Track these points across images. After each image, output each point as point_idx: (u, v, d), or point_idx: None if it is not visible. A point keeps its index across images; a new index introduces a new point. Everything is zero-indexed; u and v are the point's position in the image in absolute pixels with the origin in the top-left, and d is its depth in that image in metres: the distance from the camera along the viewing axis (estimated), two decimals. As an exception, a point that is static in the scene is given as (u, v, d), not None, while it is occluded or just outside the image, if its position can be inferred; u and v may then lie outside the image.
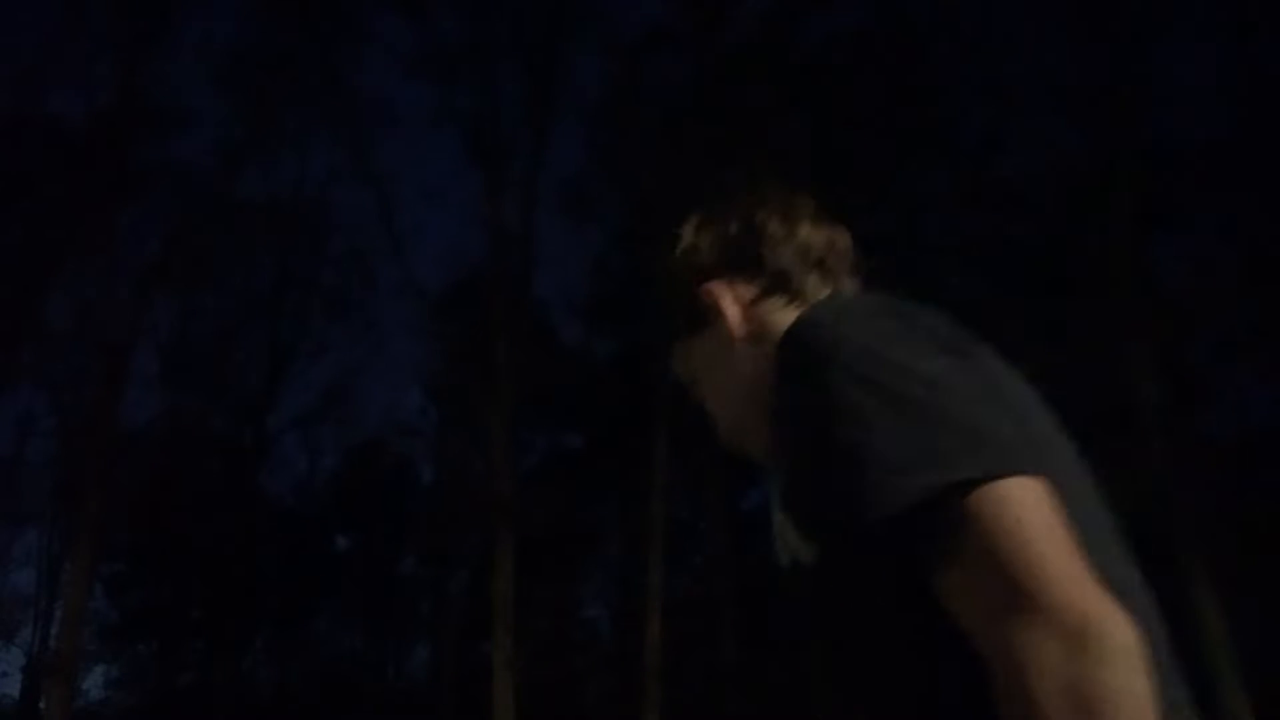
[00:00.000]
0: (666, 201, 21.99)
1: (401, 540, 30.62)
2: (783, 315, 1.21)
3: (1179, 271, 19.66)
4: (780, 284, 1.24)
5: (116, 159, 19.93)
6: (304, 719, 28.61)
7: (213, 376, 28.11)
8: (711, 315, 1.27)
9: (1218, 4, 18.55)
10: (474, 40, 21.06)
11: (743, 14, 23.07)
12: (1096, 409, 17.24)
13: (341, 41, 22.06)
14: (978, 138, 22.29)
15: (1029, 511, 0.85)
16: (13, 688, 28.25)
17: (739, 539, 26.17)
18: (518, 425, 20.60)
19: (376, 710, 29.24)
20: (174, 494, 24.49)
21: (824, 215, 1.32)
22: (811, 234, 1.28)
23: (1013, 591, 0.82)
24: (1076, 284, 17.69)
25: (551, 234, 41.85)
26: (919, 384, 0.91)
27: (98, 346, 19.98)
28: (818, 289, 1.24)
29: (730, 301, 1.25)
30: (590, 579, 30.33)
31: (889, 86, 22.17)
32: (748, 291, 1.25)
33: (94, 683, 29.89)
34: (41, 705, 21.89)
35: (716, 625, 22.75)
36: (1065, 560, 0.83)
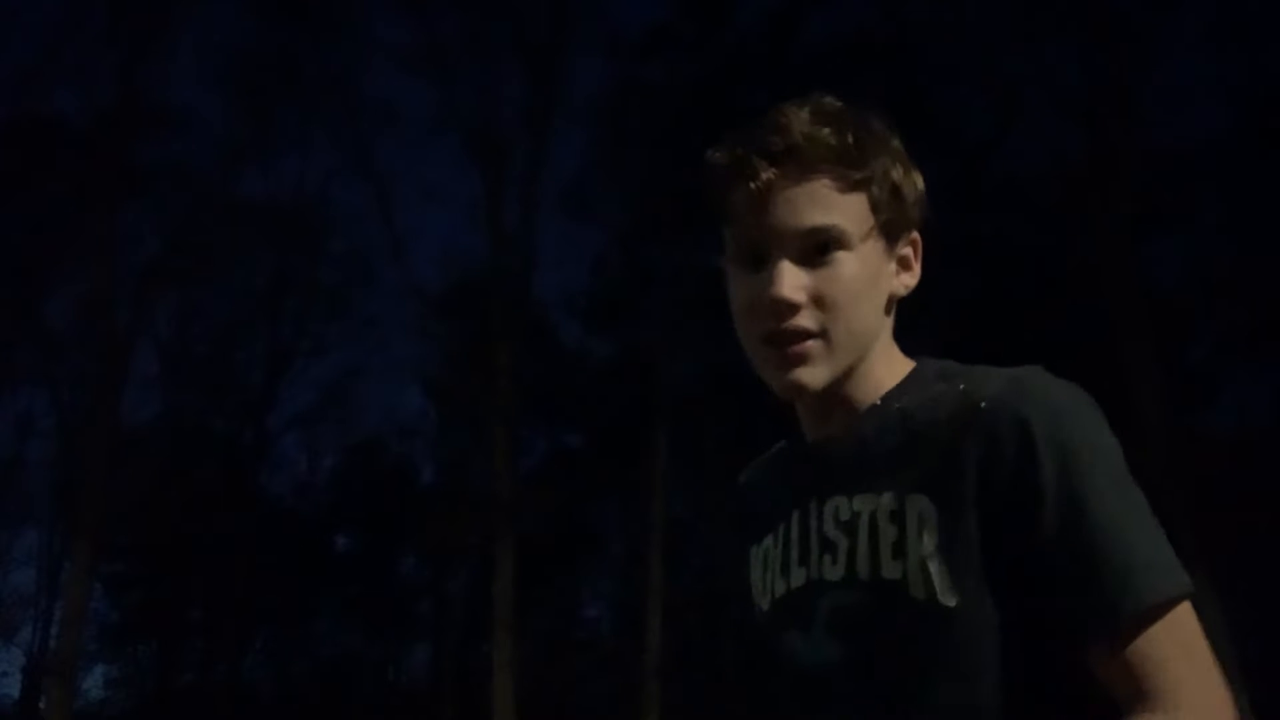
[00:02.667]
0: (666, 202, 22.02)
1: (401, 540, 30.61)
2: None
3: (1178, 271, 19.67)
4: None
5: (116, 159, 19.93)
6: (304, 719, 28.61)
7: (213, 376, 28.11)
8: (895, 243, 1.10)
9: (1217, 4, 18.56)
10: (474, 40, 21.08)
11: (743, 14, 23.09)
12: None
13: (341, 41, 22.10)
14: (977, 137, 22.32)
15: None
16: (13, 688, 28.26)
17: (739, 539, 26.14)
18: (518, 425, 20.59)
19: (376, 710, 29.23)
20: (174, 494, 24.48)
21: None
22: None
23: (1198, 690, 0.91)
24: (1075, 284, 17.69)
25: (551, 234, 41.84)
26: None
27: (98, 346, 19.99)
28: None
29: (914, 260, 1.13)
30: (590, 579, 30.34)
31: (889, 86, 22.18)
32: (914, 277, 1.13)
33: (94, 683, 29.93)
34: (41, 705, 21.90)
35: (716, 625, 22.75)
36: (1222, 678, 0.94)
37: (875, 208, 1.06)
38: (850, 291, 1.03)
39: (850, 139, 1.05)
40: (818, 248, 1.03)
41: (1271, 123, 17.69)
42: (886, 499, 1.01)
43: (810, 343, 1.03)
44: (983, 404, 0.99)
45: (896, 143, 1.11)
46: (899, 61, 21.64)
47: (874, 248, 1.06)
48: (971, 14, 18.88)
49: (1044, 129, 18.11)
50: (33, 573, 27.45)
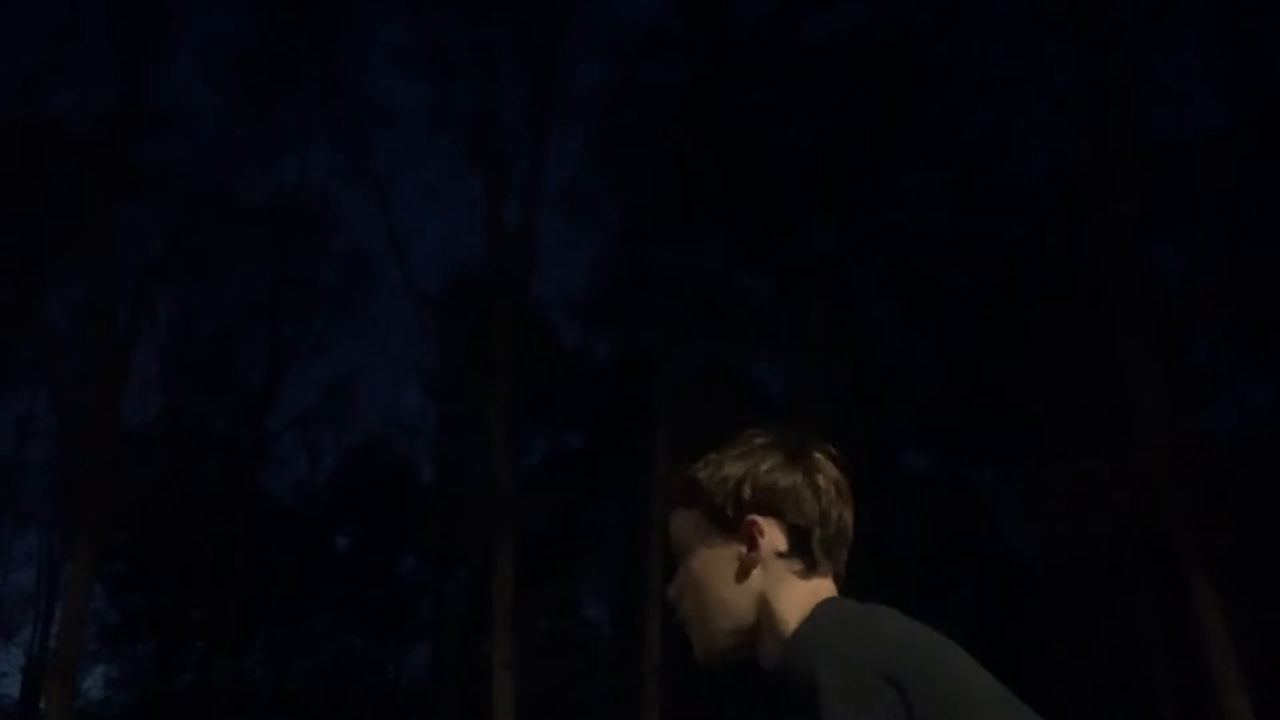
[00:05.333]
0: (666, 202, 22.02)
1: (401, 540, 30.61)
2: (791, 583, 1.36)
3: (1179, 271, 19.67)
4: (805, 553, 1.37)
5: (116, 159, 19.94)
6: (304, 719, 28.60)
7: (213, 376, 28.11)
8: (733, 531, 1.38)
9: (1217, 4, 18.56)
10: (474, 40, 21.08)
11: (743, 14, 23.09)
12: (1097, 409, 17.26)
13: (341, 41, 22.09)
14: (978, 138, 22.32)
15: None
16: (13, 688, 28.25)
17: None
18: (518, 425, 20.59)
19: (376, 710, 29.24)
20: (174, 494, 24.48)
21: (852, 494, 1.43)
22: (849, 517, 1.41)
23: None
24: (1075, 284, 17.69)
25: (551, 234, 41.75)
26: None
27: (98, 346, 19.99)
28: (825, 571, 1.37)
29: (767, 544, 1.36)
30: (590, 579, 30.34)
31: (889, 87, 22.17)
32: (779, 541, 1.36)
33: (94, 683, 29.90)
34: (41, 705, 21.90)
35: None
36: None
37: (709, 516, 1.39)
38: (688, 585, 1.41)
39: (690, 473, 1.42)
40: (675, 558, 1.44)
41: (1271, 123, 17.68)
42: None
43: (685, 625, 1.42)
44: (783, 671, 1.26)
45: (755, 455, 1.40)
46: (898, 62, 21.64)
47: (710, 544, 1.39)
48: (970, 14, 18.89)
49: (1044, 129, 18.12)
50: (33, 573, 27.46)
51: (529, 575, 20.32)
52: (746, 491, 1.38)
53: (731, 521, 1.38)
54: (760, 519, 1.37)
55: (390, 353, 34.48)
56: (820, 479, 1.39)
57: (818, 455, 1.41)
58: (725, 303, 23.31)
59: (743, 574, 1.37)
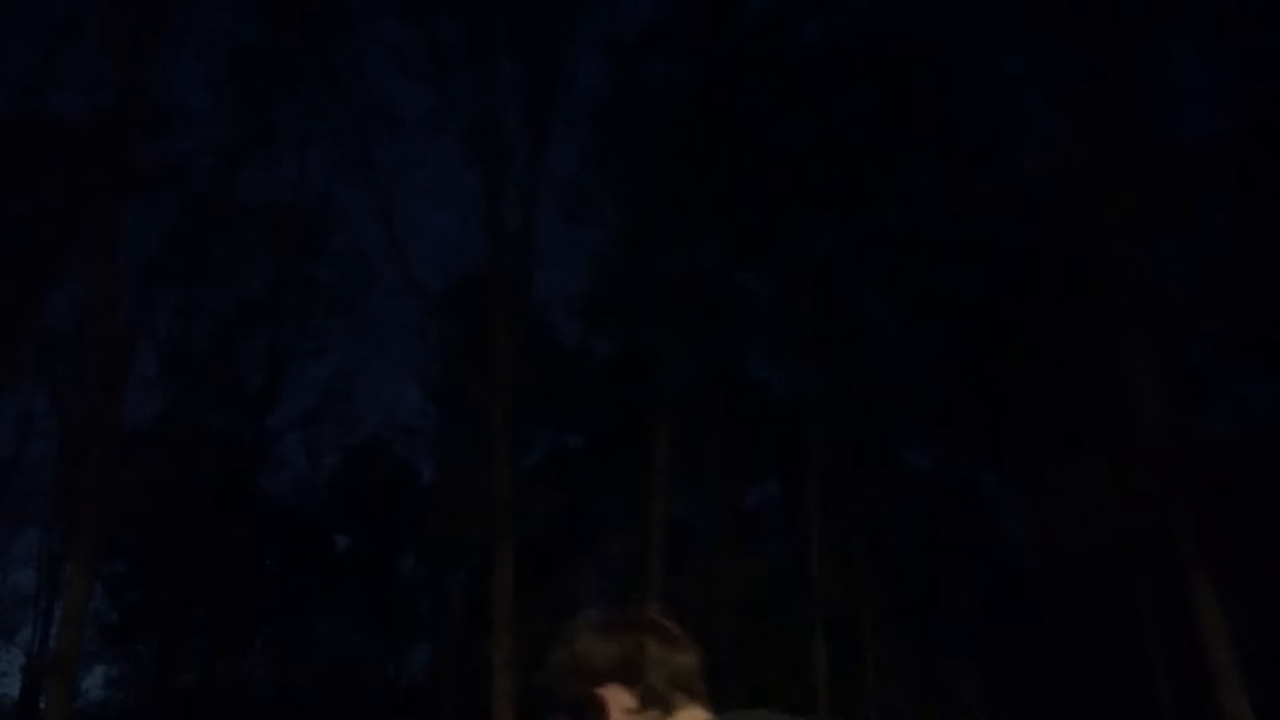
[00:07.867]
0: (666, 202, 22.02)
1: (401, 540, 30.61)
2: None
3: (1179, 271, 19.66)
4: (656, 700, 1.50)
5: (116, 159, 19.93)
6: (304, 719, 28.60)
7: (213, 376, 28.11)
8: (593, 710, 1.51)
9: (1217, 4, 18.55)
10: (474, 40, 21.07)
11: (743, 14, 23.09)
12: (1097, 409, 17.27)
13: (341, 41, 22.09)
14: (978, 138, 22.31)
15: None
16: (13, 688, 28.26)
17: (739, 539, 26.17)
18: (518, 425, 20.59)
19: (376, 710, 29.23)
20: (174, 494, 24.46)
21: (688, 640, 1.59)
22: (683, 659, 1.55)
23: None
24: (1076, 284, 17.70)
25: (551, 234, 41.85)
26: None
27: (98, 346, 19.98)
28: (684, 704, 1.51)
29: (616, 707, 1.50)
30: (590, 579, 30.34)
31: (889, 86, 22.18)
32: (626, 699, 1.50)
33: (94, 683, 29.93)
34: (41, 705, 21.89)
35: (716, 625, 22.74)
36: None
37: (566, 712, 1.53)
38: None
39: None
40: None
41: (1272, 123, 17.68)
42: None
43: None
44: None
45: (577, 642, 1.56)
46: (898, 61, 21.64)
47: None
48: (971, 14, 18.90)
49: (1044, 129, 18.11)
50: (33, 573, 27.45)
51: (529, 575, 20.32)
52: (574, 679, 1.53)
53: (581, 704, 1.52)
54: (600, 690, 1.51)
55: (390, 353, 34.54)
56: (638, 637, 1.54)
57: (632, 617, 1.58)
58: (725, 303, 23.32)
59: None
